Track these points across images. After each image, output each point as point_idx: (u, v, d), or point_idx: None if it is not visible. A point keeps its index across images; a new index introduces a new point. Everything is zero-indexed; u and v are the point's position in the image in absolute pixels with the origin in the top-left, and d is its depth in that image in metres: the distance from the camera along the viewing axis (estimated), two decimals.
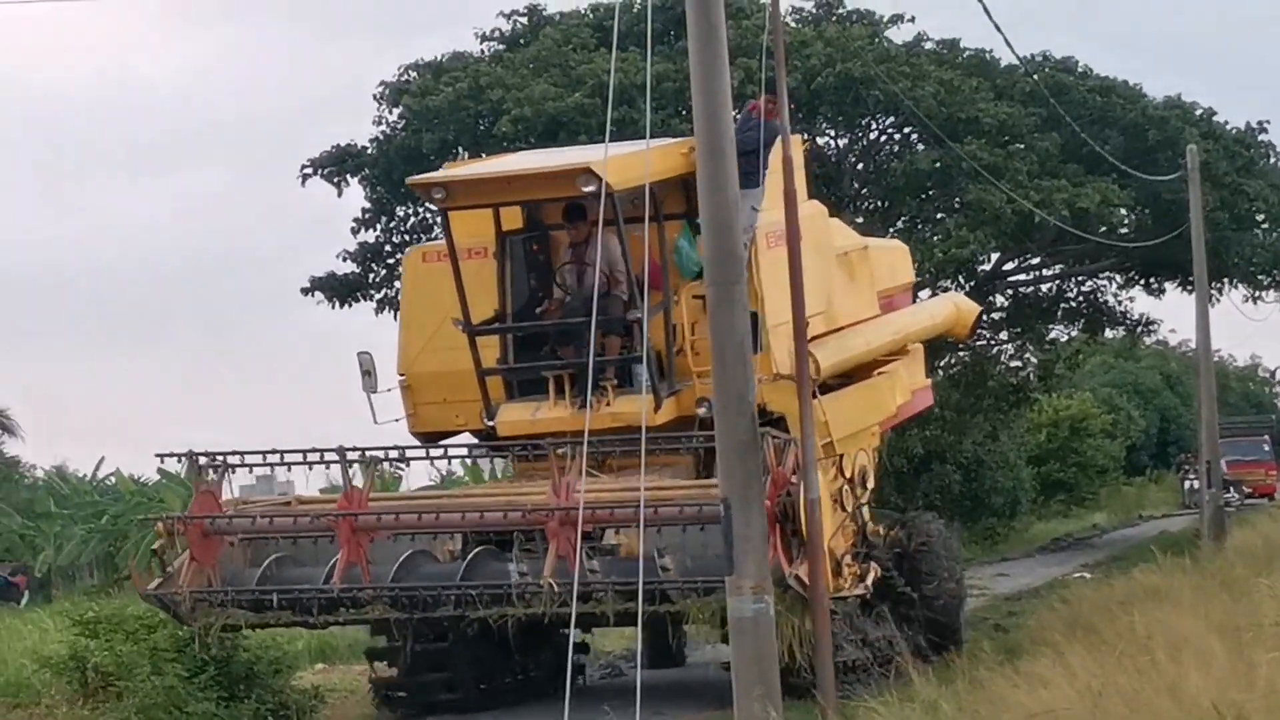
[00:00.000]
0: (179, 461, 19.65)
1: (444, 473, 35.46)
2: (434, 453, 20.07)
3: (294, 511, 19.19)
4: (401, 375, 20.19)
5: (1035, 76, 38.70)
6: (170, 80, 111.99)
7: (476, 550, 18.09)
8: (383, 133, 39.32)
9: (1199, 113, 41.59)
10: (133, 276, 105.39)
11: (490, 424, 19.08)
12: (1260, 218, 42.27)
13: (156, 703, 19.72)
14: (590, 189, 17.67)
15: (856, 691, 16.97)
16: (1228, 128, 41.65)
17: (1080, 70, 40.82)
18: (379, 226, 39.49)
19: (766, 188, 18.74)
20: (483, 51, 40.10)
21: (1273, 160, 42.46)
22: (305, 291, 40.45)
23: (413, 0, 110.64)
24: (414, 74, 39.34)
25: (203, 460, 18.90)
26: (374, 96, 39.69)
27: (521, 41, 39.73)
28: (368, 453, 18.72)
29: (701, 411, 18.11)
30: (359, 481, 18.46)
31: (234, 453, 18.99)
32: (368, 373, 19.71)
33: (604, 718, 14.30)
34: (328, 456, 18.75)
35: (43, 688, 21.12)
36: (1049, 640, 16.19)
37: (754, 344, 17.79)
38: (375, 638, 20.14)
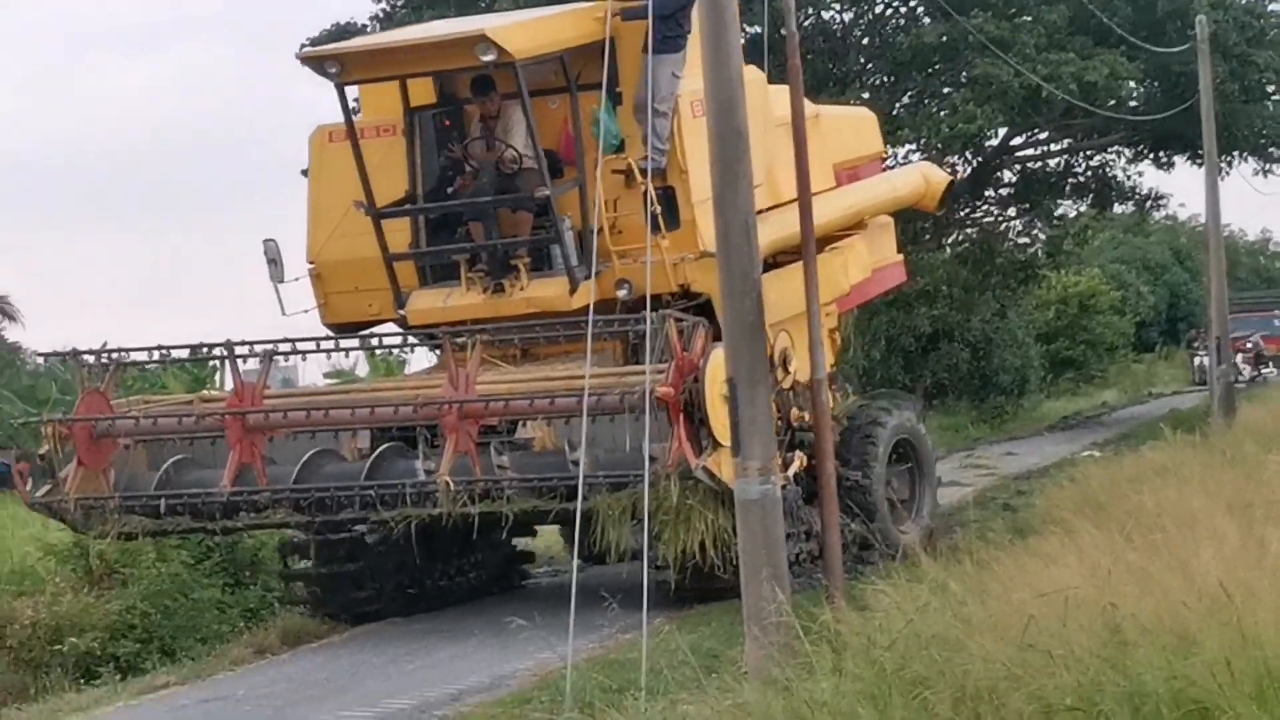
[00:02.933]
0: (62, 361, 18.40)
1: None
2: (328, 345, 18.05)
3: (183, 411, 17.77)
4: (310, 263, 18.65)
5: None
6: None
7: (382, 448, 16.79)
8: (383, 10, 38.93)
9: None
10: (132, 158, 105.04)
11: (401, 313, 17.96)
12: (1270, 89, 41.93)
13: (162, 589, 19.77)
14: (489, 58, 16.48)
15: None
16: None
17: None
18: None
19: (688, 52, 16.99)
20: None
21: None
22: (304, 173, 40.13)
23: None
24: None
25: (89, 359, 17.79)
26: None
27: None
28: (257, 346, 17.28)
29: (622, 294, 17.06)
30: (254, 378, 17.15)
31: (119, 350, 17.95)
32: (273, 261, 18.08)
33: (607, 607, 14.09)
34: (216, 351, 17.61)
35: (47, 575, 21.10)
36: (1058, 519, 16.03)
37: (674, 220, 17.19)
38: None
